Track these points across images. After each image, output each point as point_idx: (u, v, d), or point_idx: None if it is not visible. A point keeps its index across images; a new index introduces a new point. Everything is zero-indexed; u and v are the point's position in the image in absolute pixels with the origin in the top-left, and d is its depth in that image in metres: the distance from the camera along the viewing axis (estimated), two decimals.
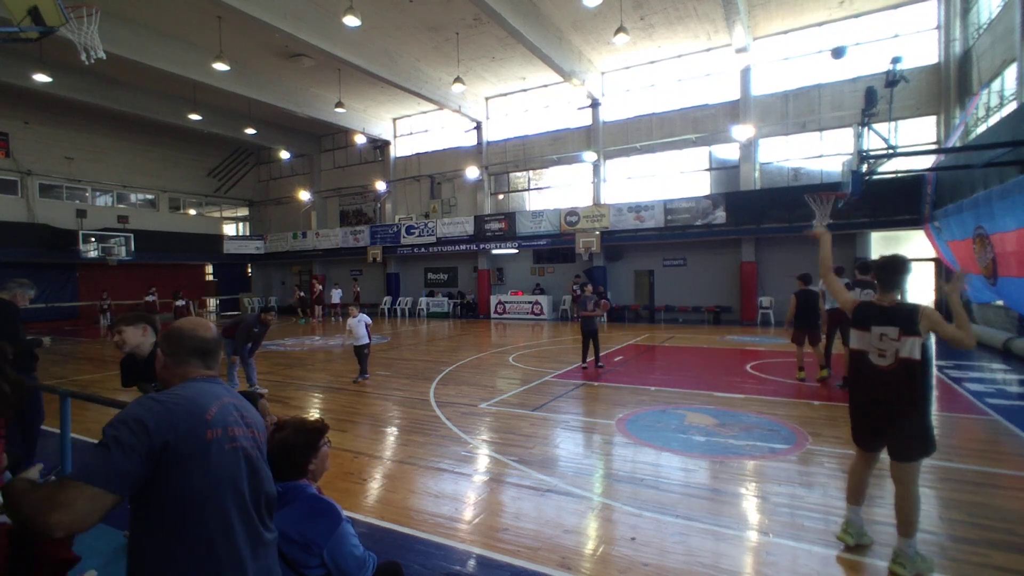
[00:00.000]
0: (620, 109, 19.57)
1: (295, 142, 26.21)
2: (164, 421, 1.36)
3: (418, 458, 4.98)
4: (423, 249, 22.63)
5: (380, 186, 24.71)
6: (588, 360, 9.49)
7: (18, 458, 3.32)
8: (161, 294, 20.90)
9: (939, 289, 14.49)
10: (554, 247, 20.13)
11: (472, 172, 21.63)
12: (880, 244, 15.78)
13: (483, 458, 4.96)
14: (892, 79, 9.24)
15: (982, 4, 12.85)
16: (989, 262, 8.39)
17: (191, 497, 1.38)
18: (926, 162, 13.03)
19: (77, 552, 2.21)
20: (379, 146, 25.18)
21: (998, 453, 4.89)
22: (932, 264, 14.77)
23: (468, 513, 3.80)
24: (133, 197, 25.30)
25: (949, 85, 14.27)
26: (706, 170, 18.39)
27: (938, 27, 14.63)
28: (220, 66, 15.10)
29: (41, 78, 16.14)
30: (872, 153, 8.91)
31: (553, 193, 21.41)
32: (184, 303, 19.85)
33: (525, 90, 21.24)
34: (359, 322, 8.70)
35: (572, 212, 19.25)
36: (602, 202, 19.38)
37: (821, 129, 16.31)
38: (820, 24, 16.08)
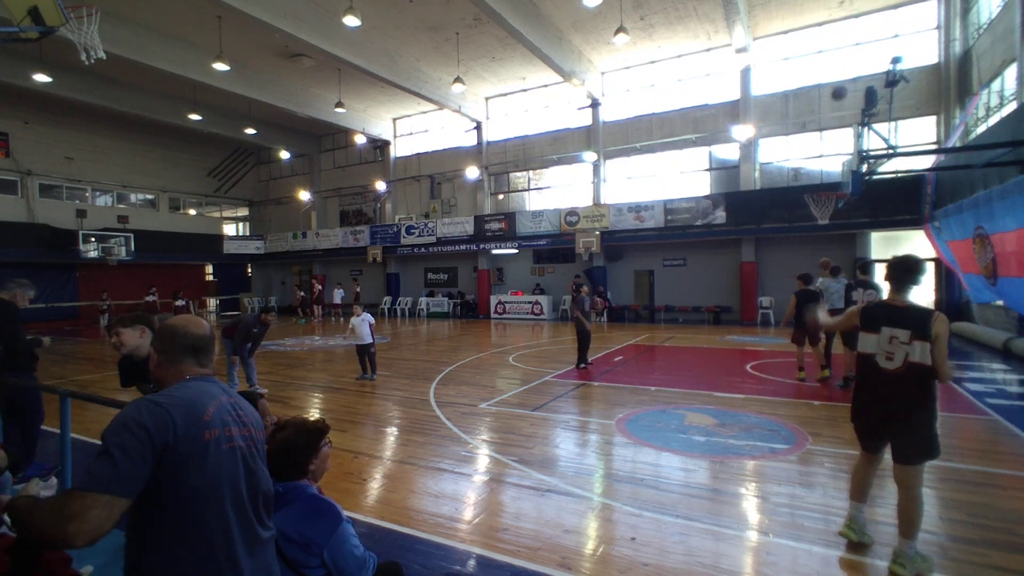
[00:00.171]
0: (620, 109, 19.57)
1: (295, 142, 26.21)
2: (163, 423, 1.35)
3: (418, 458, 4.98)
4: (423, 249, 22.63)
5: (380, 186, 24.71)
6: (589, 361, 9.54)
7: (18, 458, 3.32)
8: (161, 294, 20.92)
9: (939, 290, 14.49)
10: (554, 247, 20.13)
11: (472, 172, 21.63)
12: (880, 244, 15.79)
13: (483, 458, 4.95)
14: (892, 79, 9.25)
15: (982, 4, 12.85)
16: (989, 262, 8.39)
17: (190, 497, 1.38)
18: (926, 162, 13.03)
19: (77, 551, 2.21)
20: (379, 146, 25.18)
21: (998, 453, 4.89)
22: (932, 264, 14.77)
23: (468, 513, 3.80)
24: (133, 197, 25.30)
25: (949, 85, 14.28)
26: (706, 170, 18.40)
27: (938, 27, 14.64)
28: (220, 66, 15.10)
29: (41, 78, 16.15)
30: (872, 153, 8.91)
31: (553, 193, 21.41)
32: (184, 303, 19.87)
33: (525, 90, 21.24)
34: (363, 321, 8.69)
35: (572, 212, 19.25)
36: (602, 202, 19.38)
37: (821, 129, 16.31)
38: (820, 24, 16.08)
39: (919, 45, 14.92)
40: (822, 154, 16.50)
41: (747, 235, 16.74)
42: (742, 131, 16.64)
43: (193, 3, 13.44)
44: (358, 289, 22.21)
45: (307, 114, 20.59)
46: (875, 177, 9.87)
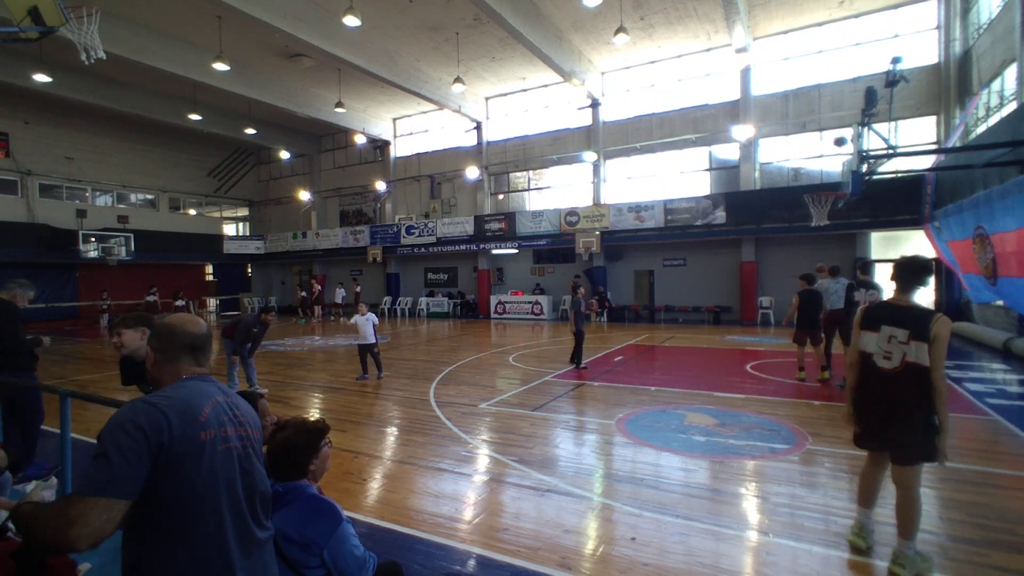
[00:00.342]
0: (620, 109, 19.57)
1: (295, 142, 26.21)
2: (158, 423, 1.35)
3: (418, 458, 4.98)
4: (423, 249, 22.63)
5: (380, 186, 24.71)
6: (583, 364, 9.59)
7: (18, 458, 3.32)
8: (161, 294, 20.92)
9: (939, 290, 14.49)
10: (554, 247, 20.13)
11: (472, 172, 21.63)
12: (880, 244, 15.79)
13: (483, 458, 4.95)
14: (892, 79, 9.24)
15: (982, 4, 12.85)
16: (989, 262, 8.39)
17: (186, 497, 1.38)
18: (926, 162, 13.03)
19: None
20: (379, 146, 25.18)
21: (998, 453, 4.88)
22: (934, 266, 14.77)
23: (468, 513, 3.80)
24: (133, 197, 25.29)
25: (949, 85, 14.28)
26: (706, 170, 18.39)
27: (938, 27, 14.64)
28: (220, 66, 15.10)
29: (41, 78, 16.14)
30: (872, 153, 8.91)
31: (553, 193, 21.41)
32: (184, 303, 19.87)
33: (525, 90, 21.24)
34: (367, 321, 8.69)
35: (572, 212, 19.25)
36: (602, 202, 19.38)
37: (821, 129, 16.31)
38: (820, 24, 16.08)
39: (919, 45, 14.93)
40: (822, 154, 16.50)
41: (747, 235, 16.74)
42: (742, 131, 16.64)
43: (193, 3, 13.44)
44: (358, 289, 22.21)
45: (307, 114, 20.59)
46: (875, 177, 9.87)
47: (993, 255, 8.22)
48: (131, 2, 13.82)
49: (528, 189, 22.05)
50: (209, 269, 28.14)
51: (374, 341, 8.72)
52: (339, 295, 22.65)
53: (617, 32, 13.54)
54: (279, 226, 28.92)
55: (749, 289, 16.96)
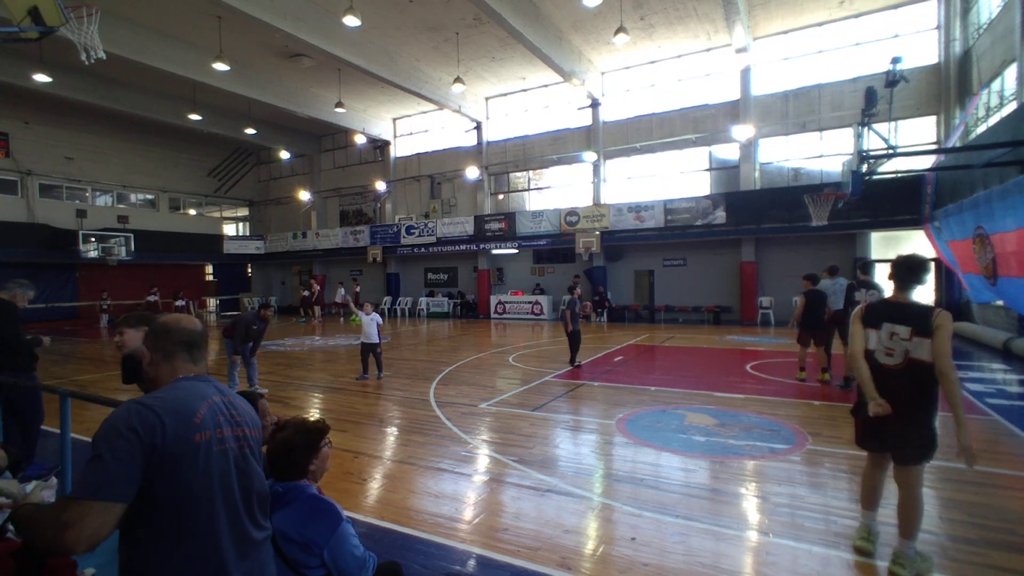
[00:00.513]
0: (620, 109, 19.57)
1: (295, 142, 26.21)
2: (152, 425, 1.35)
3: (418, 458, 4.98)
4: (423, 249, 22.63)
5: (380, 186, 24.71)
6: (580, 362, 9.66)
7: (18, 458, 3.32)
8: (161, 294, 20.91)
9: (939, 290, 14.49)
10: (554, 247, 20.13)
11: (472, 172, 21.63)
12: (880, 244, 15.79)
13: (483, 458, 4.95)
14: (892, 79, 9.24)
15: (982, 4, 12.85)
16: (989, 262, 8.39)
17: (181, 498, 1.38)
18: (926, 162, 13.03)
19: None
20: (379, 146, 25.18)
21: (998, 453, 4.88)
22: (932, 264, 14.77)
23: (468, 513, 3.80)
24: (133, 197, 25.29)
25: (949, 85, 14.28)
26: (706, 170, 18.40)
27: (938, 27, 14.64)
28: (220, 66, 15.10)
29: (41, 78, 16.13)
30: (872, 153, 8.91)
31: (553, 193, 21.41)
32: (184, 303, 19.89)
33: (525, 90, 21.24)
34: (371, 321, 8.74)
35: (572, 212, 19.25)
36: (602, 202, 19.38)
37: (821, 129, 16.31)
38: (820, 24, 16.08)
39: (919, 45, 14.93)
40: (822, 154, 16.51)
41: (747, 235, 16.74)
42: (742, 131, 16.64)
43: (193, 3, 13.44)
44: (358, 289, 22.23)
45: (307, 114, 20.59)
46: (875, 177, 9.87)
47: (993, 255, 8.22)
48: (131, 2, 13.82)
49: (528, 189, 22.05)
50: (209, 269, 28.14)
51: (377, 341, 8.77)
52: (339, 294, 22.67)
53: (617, 32, 13.54)
54: (279, 226, 28.92)
55: (749, 289, 16.96)
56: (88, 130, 22.79)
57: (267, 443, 2.02)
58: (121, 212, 23.42)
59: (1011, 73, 10.90)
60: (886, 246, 15.63)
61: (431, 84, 18.58)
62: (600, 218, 18.64)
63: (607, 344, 12.68)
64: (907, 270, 3.00)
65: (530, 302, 19.90)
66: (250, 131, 23.25)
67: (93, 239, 20.88)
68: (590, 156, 19.45)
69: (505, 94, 21.71)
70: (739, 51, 15.98)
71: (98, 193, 23.94)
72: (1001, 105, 11.66)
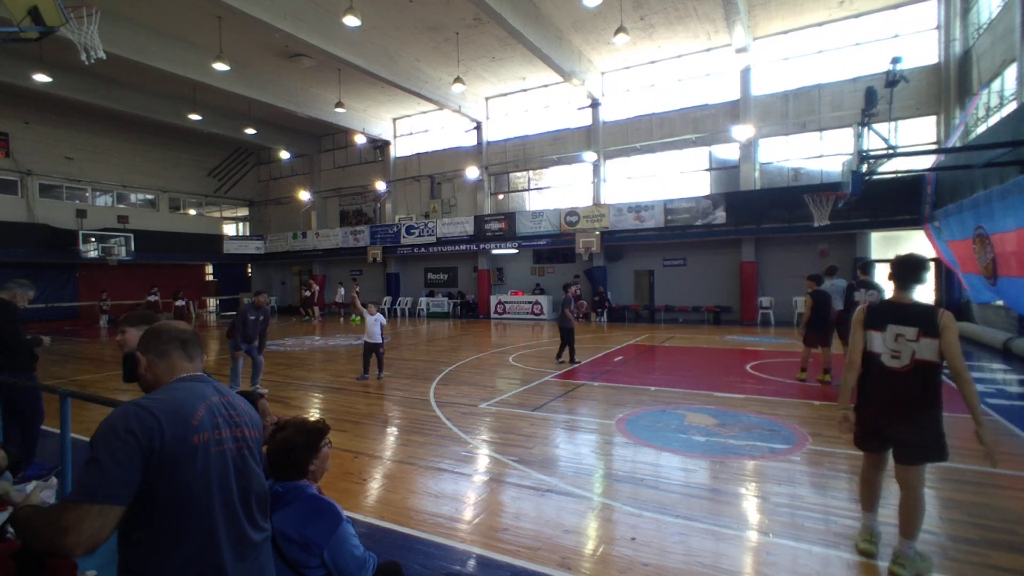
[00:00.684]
0: (620, 109, 19.57)
1: (295, 142, 26.21)
2: (149, 427, 1.34)
3: (418, 458, 4.98)
4: (423, 249, 22.63)
5: (380, 186, 24.71)
6: (577, 360, 9.77)
7: (18, 458, 3.32)
8: (162, 294, 20.90)
9: (939, 290, 14.49)
10: (554, 247, 20.13)
11: (472, 172, 21.63)
12: (880, 244, 15.79)
13: (483, 458, 4.95)
14: (892, 79, 9.25)
15: (982, 4, 12.85)
16: (989, 262, 8.39)
17: (179, 500, 1.38)
18: (926, 162, 13.03)
19: None
20: (379, 146, 25.18)
21: (998, 453, 4.87)
22: (932, 264, 14.77)
23: (468, 513, 3.80)
24: (133, 197, 25.29)
25: (949, 85, 14.27)
26: (706, 170, 18.40)
27: (938, 27, 14.64)
28: (220, 66, 15.10)
29: (41, 78, 16.13)
30: (872, 153, 8.91)
31: (553, 193, 21.41)
32: (184, 303, 19.89)
33: (525, 90, 21.24)
34: (375, 321, 8.79)
35: (572, 212, 19.25)
36: (602, 202, 19.38)
37: (821, 129, 16.31)
38: (820, 24, 16.08)
39: (919, 45, 14.93)
40: (822, 154, 16.51)
41: (747, 235, 16.74)
42: (742, 131, 16.64)
43: (193, 3, 13.44)
44: (357, 289, 22.21)
45: (307, 114, 20.58)
46: (875, 177, 9.87)
47: (993, 255, 8.22)
48: (131, 2, 13.82)
49: (528, 189, 22.05)
50: (209, 269, 28.14)
51: (380, 341, 8.80)
52: (340, 294, 22.67)
53: (617, 32, 13.54)
54: (279, 226, 28.92)
55: (749, 289, 16.95)
56: (88, 130, 22.78)
57: (267, 443, 2.02)
58: (121, 212, 23.42)
59: (1011, 73, 10.90)
60: (886, 246, 15.63)
61: (431, 84, 18.58)
62: (600, 218, 18.63)
63: (607, 344, 12.68)
64: (907, 269, 3.00)
65: (530, 302, 19.90)
66: (250, 131, 23.25)
67: (93, 239, 20.87)
68: (590, 156, 19.45)
69: (505, 94, 21.71)
70: (739, 51, 15.98)
71: (98, 193, 23.94)
72: (1001, 105, 11.65)
